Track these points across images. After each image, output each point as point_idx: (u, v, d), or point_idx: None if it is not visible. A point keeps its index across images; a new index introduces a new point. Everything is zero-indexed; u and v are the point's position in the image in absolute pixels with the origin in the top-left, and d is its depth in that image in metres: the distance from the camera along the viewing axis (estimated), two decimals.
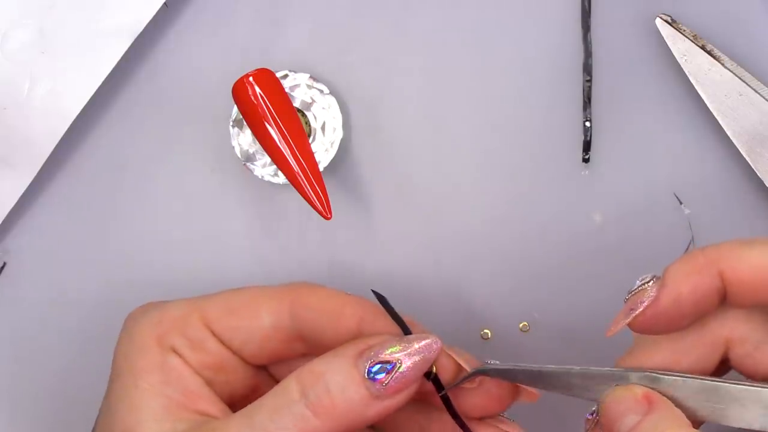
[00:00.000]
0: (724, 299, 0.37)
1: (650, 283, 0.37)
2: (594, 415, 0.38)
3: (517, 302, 0.48)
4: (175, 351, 0.39)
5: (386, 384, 0.36)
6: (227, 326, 0.40)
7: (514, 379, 0.38)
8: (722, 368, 0.38)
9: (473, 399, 0.40)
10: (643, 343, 0.38)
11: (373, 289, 0.39)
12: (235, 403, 0.40)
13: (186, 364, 0.39)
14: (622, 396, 0.36)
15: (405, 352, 0.37)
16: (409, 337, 0.38)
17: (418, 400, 0.41)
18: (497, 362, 0.39)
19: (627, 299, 0.37)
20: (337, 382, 0.36)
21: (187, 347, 0.39)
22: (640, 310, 0.36)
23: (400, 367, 0.37)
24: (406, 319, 0.39)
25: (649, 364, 0.37)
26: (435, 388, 0.39)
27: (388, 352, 0.37)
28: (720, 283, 0.36)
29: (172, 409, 0.38)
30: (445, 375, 0.39)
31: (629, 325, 0.37)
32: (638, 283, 0.37)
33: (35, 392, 0.50)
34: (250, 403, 0.40)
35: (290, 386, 0.37)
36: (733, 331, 0.37)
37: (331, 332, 0.39)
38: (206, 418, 0.38)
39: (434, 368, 0.38)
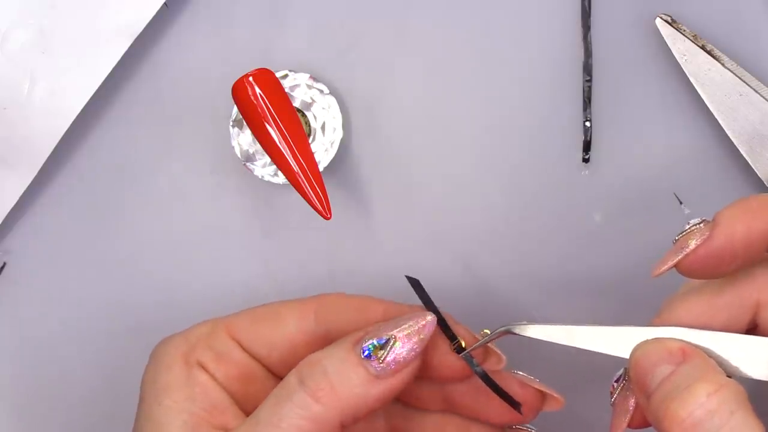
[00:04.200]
0: None
1: (700, 225, 0.36)
2: (620, 381, 0.37)
3: (517, 302, 0.48)
4: (201, 366, 0.39)
5: (383, 361, 0.36)
6: (253, 334, 0.40)
7: (543, 337, 0.38)
8: (749, 332, 0.37)
9: (494, 404, 0.39)
10: (671, 305, 0.37)
11: (407, 275, 0.39)
12: None
13: (212, 379, 0.39)
14: (654, 348, 0.35)
15: (398, 330, 0.37)
16: (402, 317, 0.38)
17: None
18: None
19: (676, 240, 0.36)
20: (334, 366, 0.36)
21: (213, 360, 0.39)
22: (692, 248, 0.35)
23: (394, 342, 0.37)
24: (443, 314, 0.39)
25: (680, 325, 0.36)
26: (466, 362, 0.39)
27: (384, 335, 0.37)
28: None
29: (194, 426, 0.37)
30: (475, 355, 0.39)
31: (678, 264, 0.35)
32: (687, 226, 0.36)
33: (35, 392, 0.50)
34: None
35: (290, 378, 0.37)
36: (765, 292, 0.37)
37: (358, 328, 0.39)
38: None
39: (463, 342, 0.39)
